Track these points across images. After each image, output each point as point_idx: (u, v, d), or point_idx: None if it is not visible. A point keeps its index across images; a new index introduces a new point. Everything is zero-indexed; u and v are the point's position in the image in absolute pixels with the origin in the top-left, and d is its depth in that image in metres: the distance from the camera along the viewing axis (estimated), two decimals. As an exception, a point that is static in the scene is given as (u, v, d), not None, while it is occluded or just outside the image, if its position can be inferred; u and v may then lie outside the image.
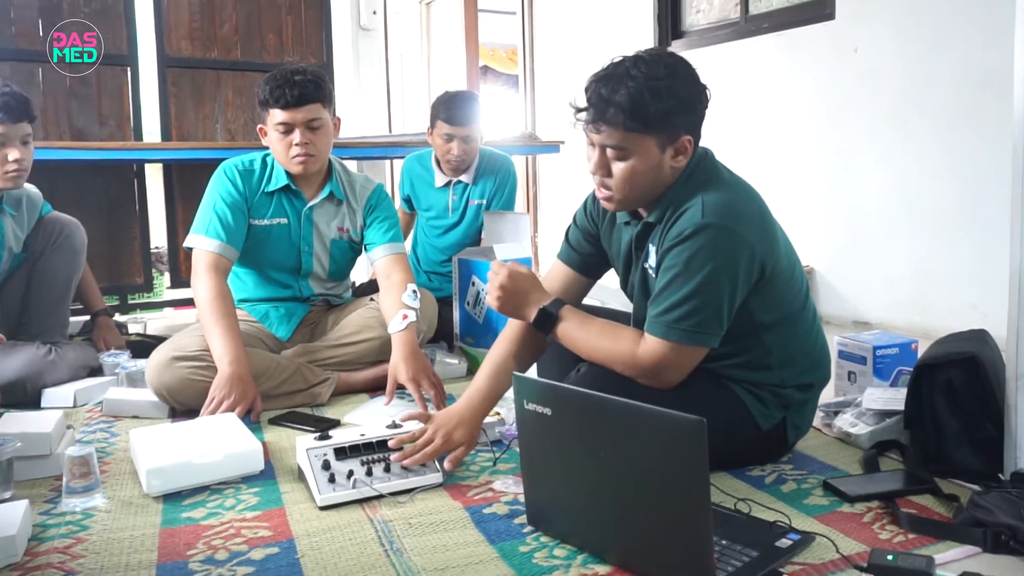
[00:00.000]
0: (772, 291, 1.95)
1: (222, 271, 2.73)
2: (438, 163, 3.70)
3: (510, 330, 2.18)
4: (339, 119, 2.94)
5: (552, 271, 2.30)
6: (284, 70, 2.75)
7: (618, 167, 1.89)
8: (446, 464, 2.01)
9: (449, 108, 3.53)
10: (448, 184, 3.69)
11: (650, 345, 1.88)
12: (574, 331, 2.00)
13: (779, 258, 1.95)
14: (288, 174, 2.85)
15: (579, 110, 1.91)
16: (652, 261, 1.98)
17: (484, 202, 3.68)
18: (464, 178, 3.66)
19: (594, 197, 2.13)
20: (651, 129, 1.84)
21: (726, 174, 1.99)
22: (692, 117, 1.90)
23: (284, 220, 2.90)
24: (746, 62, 4.66)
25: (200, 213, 2.80)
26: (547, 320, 2.02)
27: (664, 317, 1.85)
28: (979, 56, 3.45)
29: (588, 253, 2.24)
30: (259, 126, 2.85)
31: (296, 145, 2.73)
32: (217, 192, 2.80)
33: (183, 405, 2.56)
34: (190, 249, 2.78)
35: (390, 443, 1.99)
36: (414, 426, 2.07)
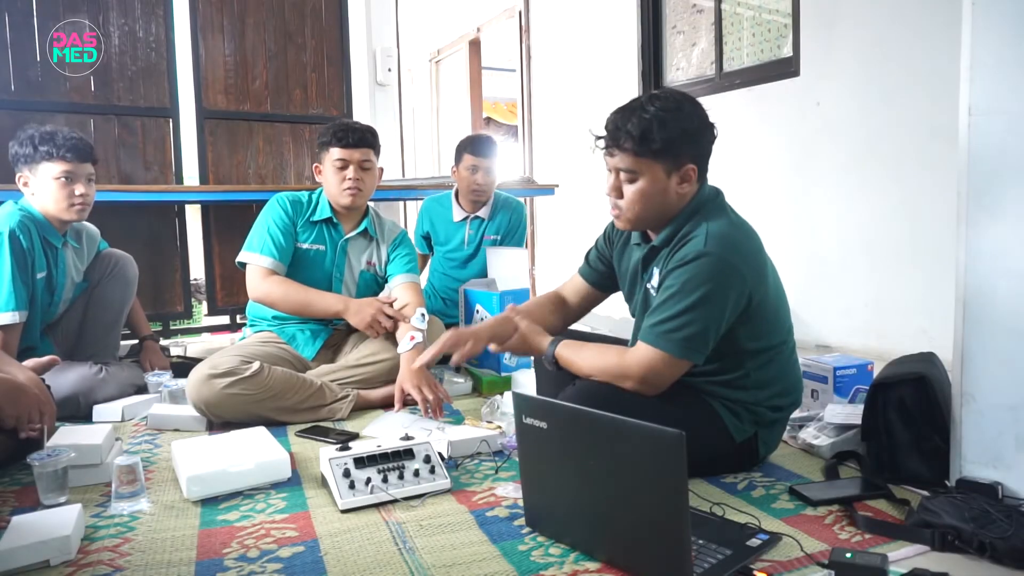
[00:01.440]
0: (758, 322, 1.96)
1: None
2: (457, 201, 3.75)
3: (523, 305, 2.37)
4: (382, 168, 3.04)
5: (571, 282, 2.43)
6: (344, 120, 2.98)
7: (628, 189, 1.95)
8: (454, 360, 2.17)
9: (475, 143, 3.69)
10: (465, 219, 3.74)
11: (640, 351, 1.90)
12: (570, 355, 2.06)
13: (767, 293, 1.97)
14: (331, 208, 2.97)
15: (598, 137, 1.97)
16: (654, 282, 2.01)
17: (498, 238, 3.73)
18: (481, 213, 3.72)
19: (613, 224, 2.22)
20: (658, 155, 1.90)
21: (731, 214, 2.03)
22: (696, 148, 1.96)
23: (322, 247, 2.99)
24: (720, 114, 4.61)
25: (254, 234, 2.92)
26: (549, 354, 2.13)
27: (657, 328, 1.88)
28: (929, 108, 3.48)
29: (602, 272, 2.34)
30: (315, 164, 3.00)
31: (348, 179, 2.89)
32: (271, 217, 2.92)
33: (219, 418, 2.57)
34: (241, 265, 2.91)
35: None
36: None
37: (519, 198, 4.02)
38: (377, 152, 2.98)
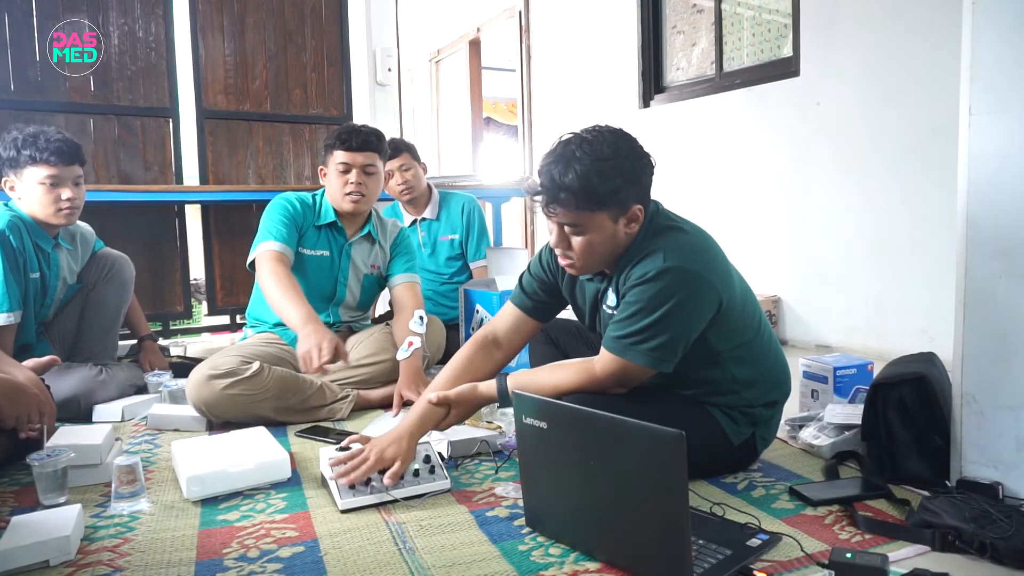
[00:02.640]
0: (727, 322, 1.93)
1: (285, 263, 2.78)
2: (403, 208, 3.81)
3: (442, 375, 2.16)
4: (388, 173, 3.02)
5: (506, 316, 2.24)
6: (351, 124, 2.91)
7: (576, 241, 1.87)
8: (385, 480, 1.88)
9: None
10: (414, 223, 3.76)
11: (607, 362, 1.89)
12: (527, 385, 1.95)
13: (733, 290, 1.95)
14: (335, 212, 2.95)
15: (535, 194, 1.89)
16: (611, 301, 1.98)
17: (456, 237, 3.76)
18: (428, 215, 3.76)
19: (551, 250, 2.07)
20: (602, 206, 1.82)
21: (679, 221, 1.98)
22: (639, 188, 1.87)
23: (326, 252, 2.98)
24: (720, 114, 4.69)
25: (260, 230, 2.87)
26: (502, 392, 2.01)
27: (623, 341, 1.85)
28: (929, 107, 3.47)
29: (541, 300, 2.20)
30: (319, 167, 2.98)
31: (351, 183, 2.86)
32: (276, 212, 2.90)
33: (219, 418, 2.57)
34: (252, 270, 2.84)
35: (329, 463, 1.94)
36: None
37: (510, 197, 4.02)
38: (383, 156, 2.96)
